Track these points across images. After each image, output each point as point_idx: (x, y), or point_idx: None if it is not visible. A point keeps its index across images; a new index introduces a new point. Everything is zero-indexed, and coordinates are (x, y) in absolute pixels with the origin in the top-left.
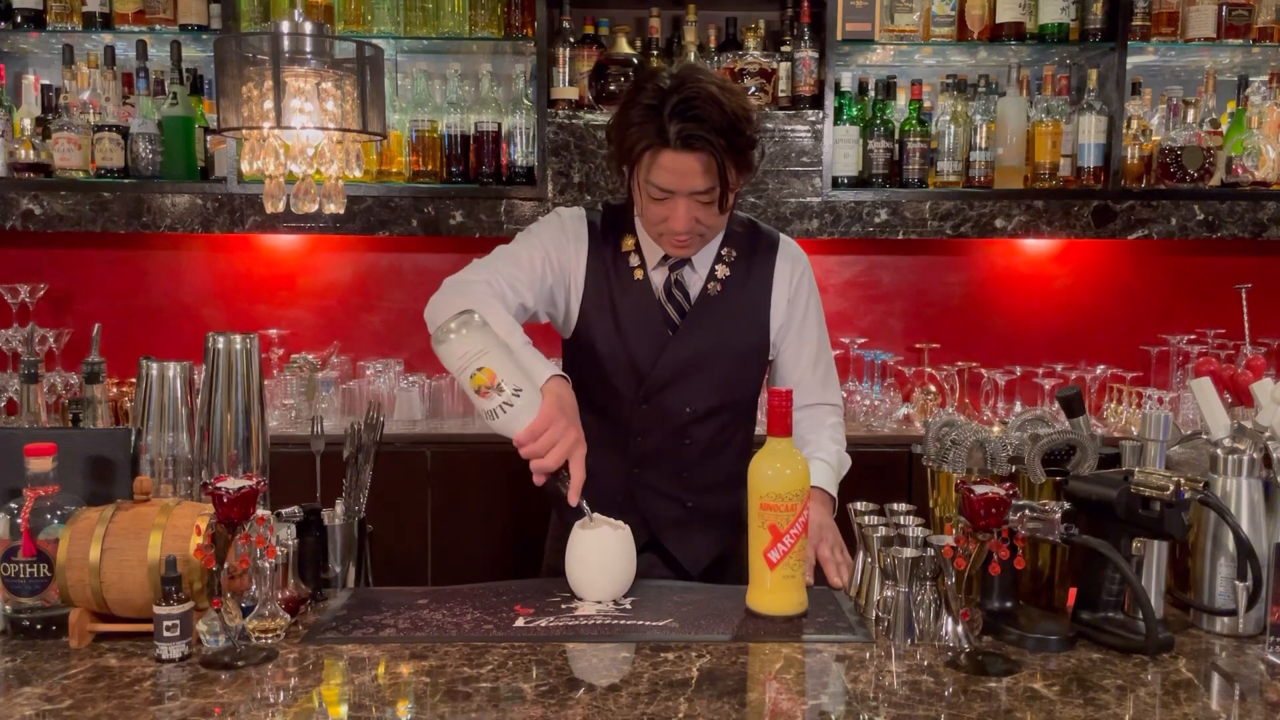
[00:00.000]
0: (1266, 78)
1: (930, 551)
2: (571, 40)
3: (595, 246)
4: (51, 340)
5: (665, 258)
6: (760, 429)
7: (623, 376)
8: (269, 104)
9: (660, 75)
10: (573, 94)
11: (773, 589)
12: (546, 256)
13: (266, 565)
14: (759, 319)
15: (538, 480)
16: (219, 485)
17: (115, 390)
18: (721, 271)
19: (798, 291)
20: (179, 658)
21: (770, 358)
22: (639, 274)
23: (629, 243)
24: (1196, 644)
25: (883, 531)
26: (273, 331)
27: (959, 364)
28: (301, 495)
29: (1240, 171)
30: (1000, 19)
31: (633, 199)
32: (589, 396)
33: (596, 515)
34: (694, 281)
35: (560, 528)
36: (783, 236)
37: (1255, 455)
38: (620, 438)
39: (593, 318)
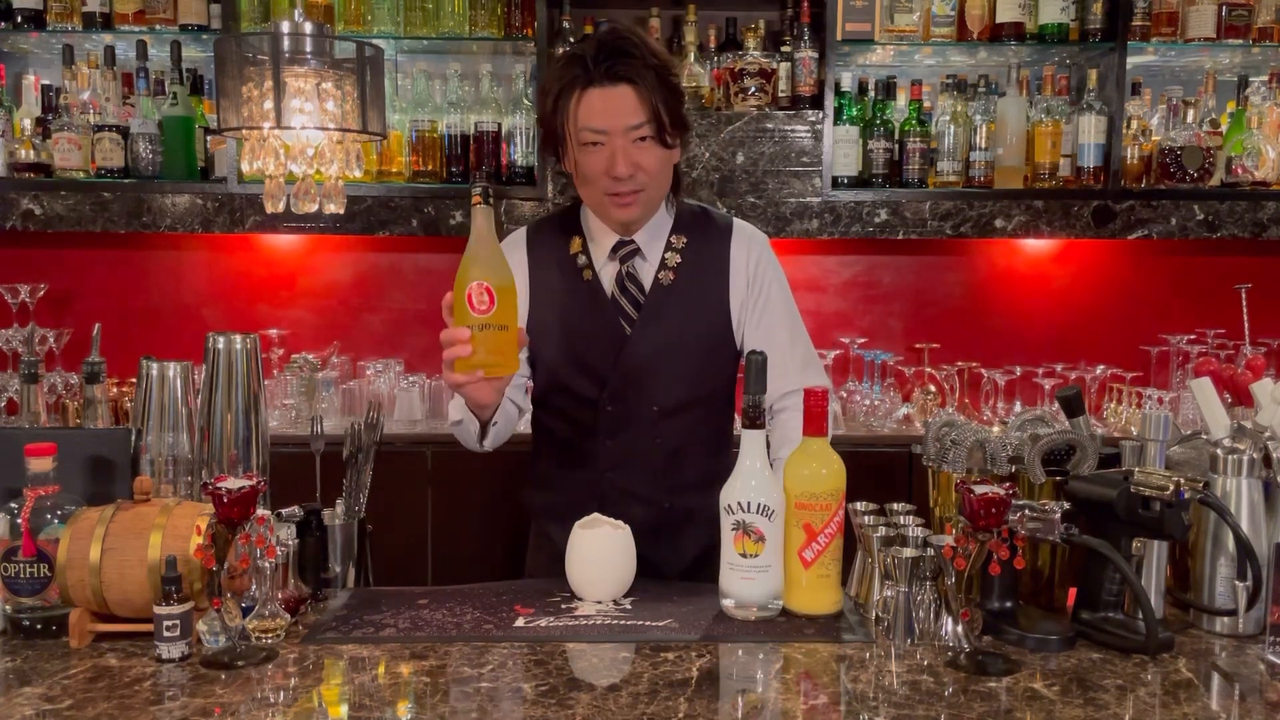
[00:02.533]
0: (1266, 78)
1: (930, 551)
2: (571, 40)
3: (537, 256)
4: (51, 340)
5: (614, 250)
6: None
7: (585, 380)
8: (269, 104)
9: (584, 39)
10: None
11: (808, 587)
12: None
13: (266, 565)
14: (718, 305)
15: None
16: (219, 485)
17: (115, 390)
18: (672, 259)
19: (757, 272)
20: (179, 658)
21: (738, 346)
22: (588, 274)
23: (576, 244)
24: (1196, 644)
25: (883, 531)
26: (273, 331)
27: (959, 364)
28: (301, 495)
29: (1240, 171)
30: (1000, 19)
31: (572, 170)
32: (554, 404)
33: (596, 515)
34: (646, 272)
35: (540, 537)
36: (736, 220)
37: (1255, 455)
38: (589, 443)
39: (544, 326)
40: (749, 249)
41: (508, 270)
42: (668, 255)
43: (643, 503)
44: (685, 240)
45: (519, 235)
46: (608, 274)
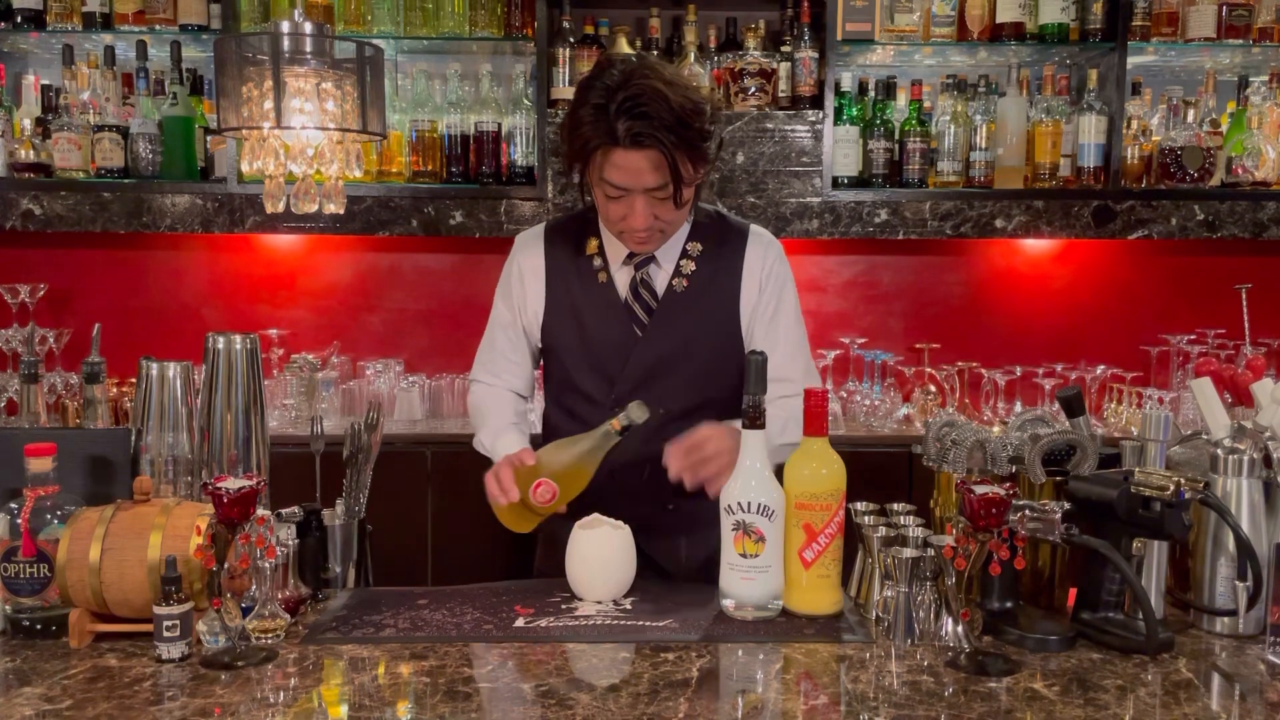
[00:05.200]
0: (1266, 78)
1: (930, 551)
2: (571, 40)
3: (554, 256)
4: (51, 340)
5: (630, 256)
6: None
7: (594, 380)
8: (269, 104)
9: (609, 72)
10: (572, 94)
11: (808, 587)
12: (510, 307)
13: (266, 565)
14: (729, 312)
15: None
16: (219, 485)
17: (115, 390)
18: (687, 266)
19: (769, 278)
20: (179, 658)
21: (746, 351)
22: (602, 276)
23: (592, 245)
24: (1196, 644)
25: (883, 531)
26: (273, 331)
27: (959, 364)
28: (301, 495)
29: (1240, 171)
30: (1000, 19)
31: (593, 200)
32: (567, 403)
33: (596, 515)
34: (660, 278)
35: (549, 534)
36: (753, 226)
37: (1255, 455)
38: None
39: (559, 325)
40: (764, 257)
41: (579, 487)
42: (683, 262)
43: (647, 504)
44: (701, 248)
45: (536, 231)
46: (622, 278)
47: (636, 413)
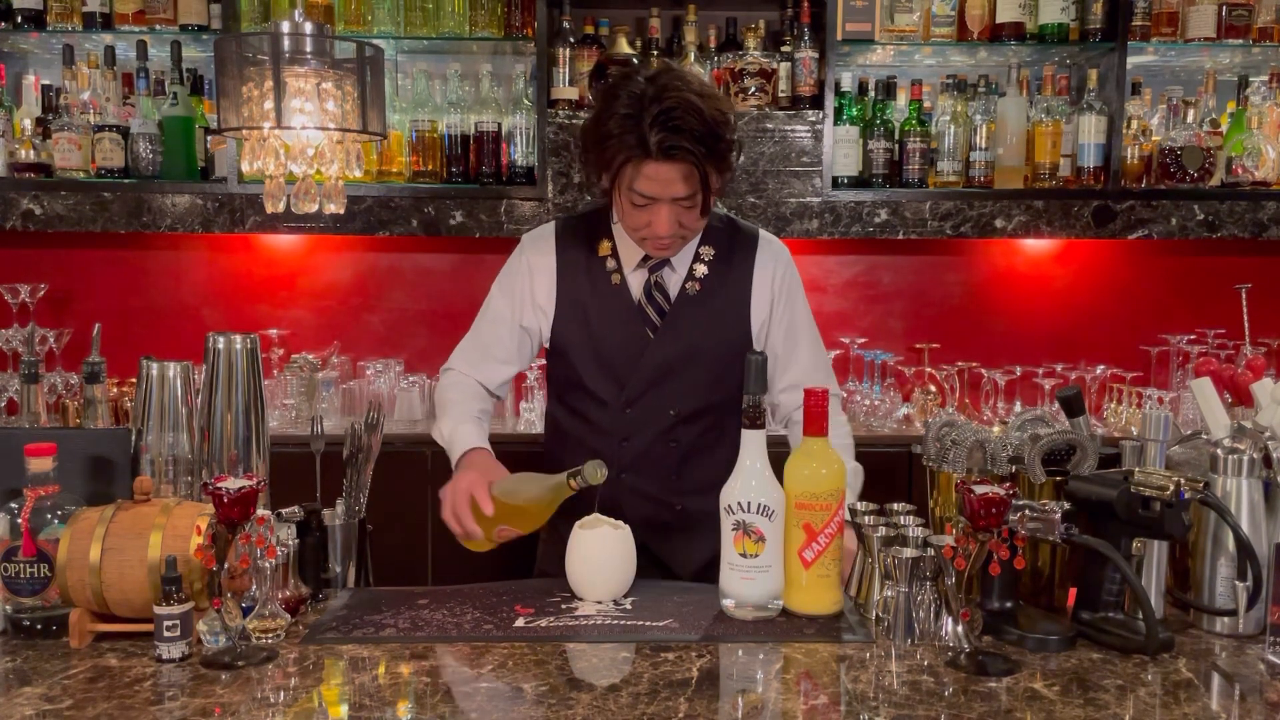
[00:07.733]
0: (1266, 78)
1: (930, 551)
2: (571, 40)
3: (566, 256)
4: (51, 340)
5: (644, 259)
6: None
7: (605, 381)
8: (269, 104)
9: (635, 80)
10: (573, 94)
11: (808, 587)
12: (510, 303)
13: (266, 565)
14: (740, 316)
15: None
16: (219, 485)
17: (115, 390)
18: (700, 270)
19: (780, 286)
20: (179, 658)
21: None
22: (616, 278)
23: (605, 247)
24: (1196, 644)
25: (883, 531)
26: (273, 331)
27: (959, 364)
28: (301, 495)
29: (1240, 171)
30: (1000, 19)
31: (611, 203)
32: (573, 403)
33: (596, 515)
34: (673, 281)
35: (551, 533)
36: (762, 232)
37: (1255, 455)
38: (606, 442)
39: (570, 325)
40: (774, 265)
41: (537, 525)
42: (695, 266)
43: (655, 504)
44: (713, 253)
45: (547, 230)
46: (635, 280)
47: (593, 473)
